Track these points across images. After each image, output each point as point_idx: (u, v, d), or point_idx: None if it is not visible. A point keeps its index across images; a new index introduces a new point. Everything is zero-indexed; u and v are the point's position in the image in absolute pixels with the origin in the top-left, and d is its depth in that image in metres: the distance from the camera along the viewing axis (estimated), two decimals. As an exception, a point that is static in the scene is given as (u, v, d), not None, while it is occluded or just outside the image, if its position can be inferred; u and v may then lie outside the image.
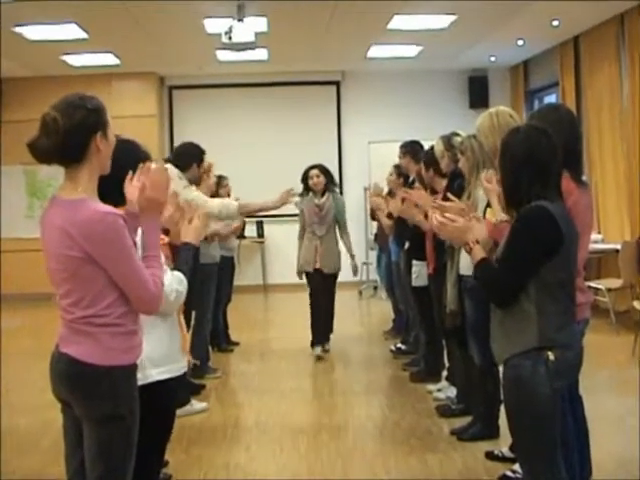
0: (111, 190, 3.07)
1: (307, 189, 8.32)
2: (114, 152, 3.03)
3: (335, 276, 8.44)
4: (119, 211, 2.87)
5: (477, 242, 3.40)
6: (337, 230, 8.44)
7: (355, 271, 8.70)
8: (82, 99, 2.92)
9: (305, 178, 8.32)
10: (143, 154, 3.46)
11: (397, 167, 8.31)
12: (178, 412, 5.33)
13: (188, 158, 6.64)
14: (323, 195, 8.31)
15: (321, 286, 8.31)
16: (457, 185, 5.56)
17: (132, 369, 2.98)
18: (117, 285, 2.85)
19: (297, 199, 7.76)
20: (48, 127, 2.82)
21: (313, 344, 8.36)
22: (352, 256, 8.52)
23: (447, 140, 6.09)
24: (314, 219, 8.27)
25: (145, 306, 2.93)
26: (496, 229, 3.68)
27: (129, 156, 3.30)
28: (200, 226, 3.68)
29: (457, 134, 6.02)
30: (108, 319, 2.85)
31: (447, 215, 3.59)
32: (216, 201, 6.57)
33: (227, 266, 8.57)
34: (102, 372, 2.85)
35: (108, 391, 2.86)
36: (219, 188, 8.38)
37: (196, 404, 6.50)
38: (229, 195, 8.61)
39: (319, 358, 8.26)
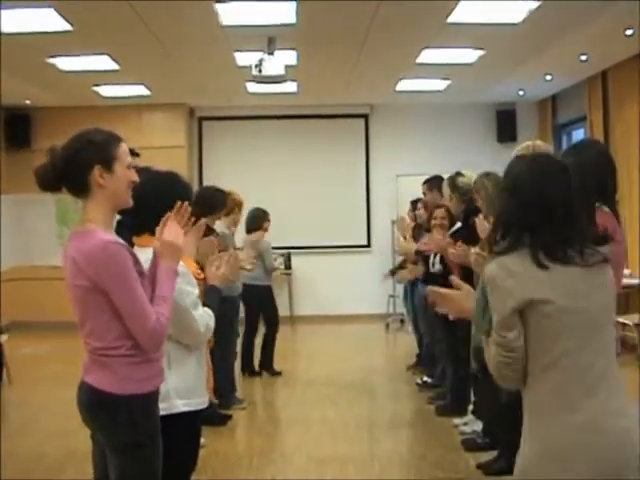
0: (146, 220, 3.11)
1: None
2: (152, 184, 3.05)
3: None
4: (123, 242, 2.87)
5: None
6: None
7: None
8: (88, 133, 2.91)
9: None
10: (182, 190, 3.46)
11: (415, 202, 8.66)
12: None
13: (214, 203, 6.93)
14: None
15: None
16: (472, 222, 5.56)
17: (152, 397, 2.96)
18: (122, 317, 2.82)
19: None
20: (48, 157, 2.87)
21: None
22: None
23: (452, 181, 6.15)
24: None
25: (144, 339, 2.82)
26: None
27: (167, 190, 3.34)
28: (227, 274, 3.70)
29: (461, 174, 6.09)
30: (122, 350, 2.83)
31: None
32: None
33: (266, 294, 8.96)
34: (120, 401, 2.84)
35: (127, 420, 2.86)
36: (263, 222, 8.68)
37: None
38: (266, 230, 8.79)
39: None
